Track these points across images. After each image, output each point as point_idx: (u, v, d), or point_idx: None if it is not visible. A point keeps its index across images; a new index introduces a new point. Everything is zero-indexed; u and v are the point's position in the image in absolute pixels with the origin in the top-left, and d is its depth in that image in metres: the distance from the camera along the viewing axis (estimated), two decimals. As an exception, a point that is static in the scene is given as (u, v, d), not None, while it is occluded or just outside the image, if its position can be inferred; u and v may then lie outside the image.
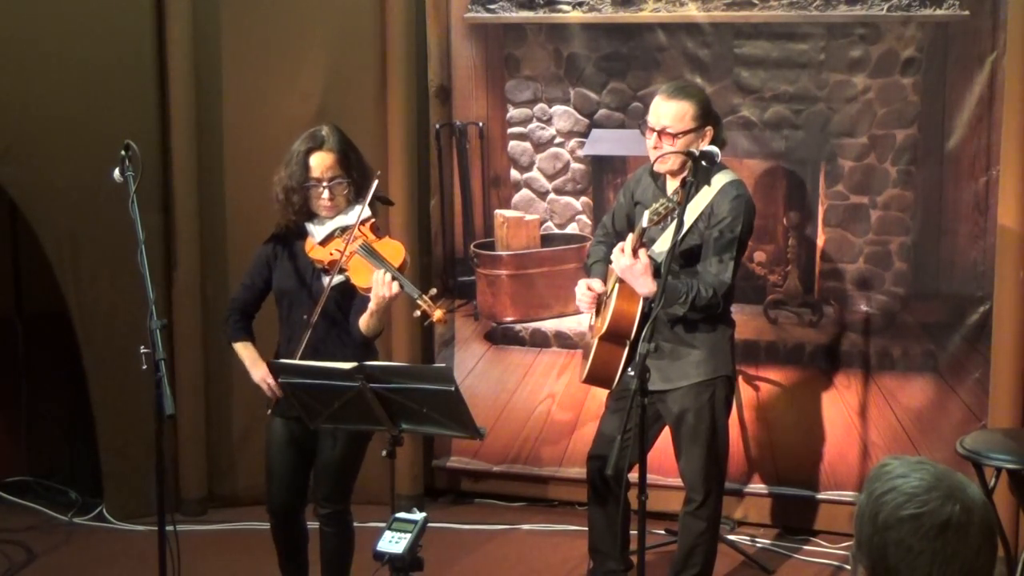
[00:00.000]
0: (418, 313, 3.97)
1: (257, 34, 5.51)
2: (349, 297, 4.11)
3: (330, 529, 4.26)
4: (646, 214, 4.03)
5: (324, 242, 4.11)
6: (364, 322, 4.04)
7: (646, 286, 4.04)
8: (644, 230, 4.06)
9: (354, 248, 4.03)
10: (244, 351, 4.24)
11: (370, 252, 4.04)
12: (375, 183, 4.09)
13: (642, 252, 4.06)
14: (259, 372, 4.16)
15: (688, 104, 4.15)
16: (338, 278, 4.05)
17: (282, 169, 4.13)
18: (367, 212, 4.09)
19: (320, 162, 4.08)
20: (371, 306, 3.99)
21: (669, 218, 4.04)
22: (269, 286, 4.26)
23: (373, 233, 4.12)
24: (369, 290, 3.97)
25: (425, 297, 3.94)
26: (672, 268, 4.01)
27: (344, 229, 4.08)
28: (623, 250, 4.06)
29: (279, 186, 4.12)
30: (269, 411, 4.20)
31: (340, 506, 4.24)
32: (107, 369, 5.38)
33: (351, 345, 4.11)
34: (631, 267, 4.04)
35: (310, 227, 4.14)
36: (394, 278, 3.95)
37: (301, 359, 4.00)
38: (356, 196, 4.13)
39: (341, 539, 4.27)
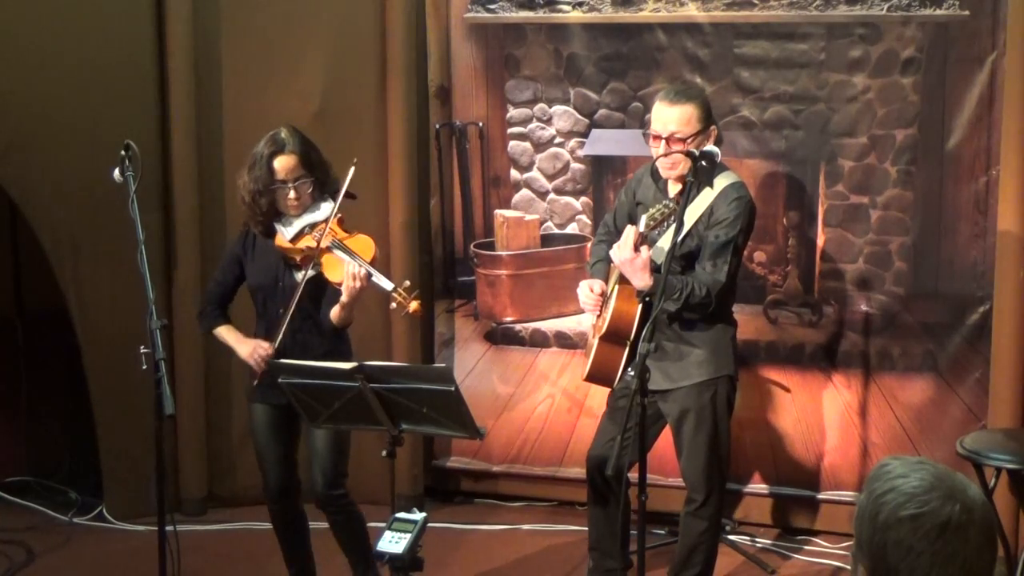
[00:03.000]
0: (394, 305, 4.11)
1: (257, 34, 5.50)
2: (321, 290, 4.24)
3: (339, 516, 4.35)
4: (643, 218, 4.05)
5: (294, 239, 4.24)
6: (335, 314, 4.18)
7: (643, 280, 4.06)
8: (642, 234, 4.07)
9: (325, 246, 4.16)
10: (227, 333, 4.37)
11: (341, 248, 4.18)
12: (346, 183, 4.22)
13: (643, 248, 4.07)
14: (246, 349, 4.27)
15: (692, 107, 4.17)
16: (310, 273, 4.20)
17: (246, 173, 4.26)
18: (334, 210, 4.21)
19: (284, 164, 4.21)
20: (343, 298, 4.12)
21: (665, 223, 4.06)
22: (240, 281, 4.41)
23: (342, 228, 4.26)
24: (342, 284, 4.10)
25: (399, 289, 4.08)
26: (672, 269, 4.02)
27: (313, 225, 4.23)
28: (623, 244, 4.08)
29: (245, 190, 4.26)
30: (256, 383, 4.26)
31: (340, 491, 4.32)
32: (107, 369, 5.38)
33: (324, 335, 4.26)
34: (631, 261, 4.06)
35: (279, 226, 4.27)
36: (367, 272, 4.08)
37: (279, 349, 4.17)
38: (320, 193, 4.27)
39: (351, 520, 4.37)
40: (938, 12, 4.89)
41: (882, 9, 4.96)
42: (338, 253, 4.16)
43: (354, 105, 5.44)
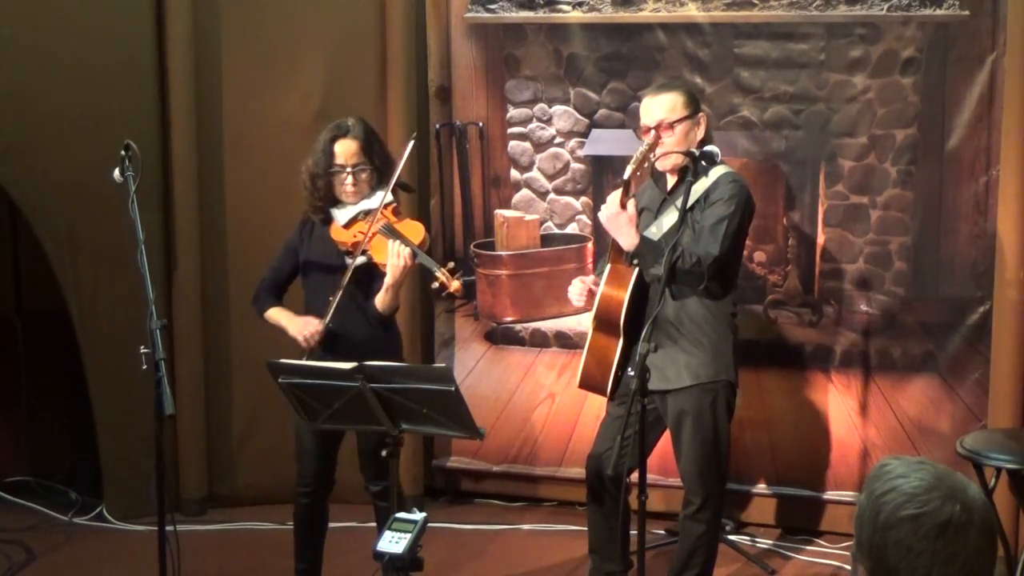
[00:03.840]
0: (436, 285, 4.17)
1: (257, 34, 5.51)
2: (370, 278, 4.27)
3: (385, 503, 4.31)
4: (628, 168, 4.04)
5: (348, 225, 4.29)
6: (380, 298, 4.23)
7: (630, 238, 4.06)
8: (627, 183, 4.07)
9: (376, 229, 4.21)
10: (279, 314, 4.41)
11: (391, 231, 4.23)
12: (399, 169, 4.29)
13: (630, 204, 4.07)
14: (295, 326, 4.30)
15: (675, 94, 4.20)
16: (361, 259, 4.23)
17: (309, 158, 4.33)
18: (389, 197, 4.27)
19: (344, 149, 4.28)
20: (387, 280, 4.18)
21: (646, 163, 4.08)
22: (295, 271, 4.45)
23: (394, 215, 4.31)
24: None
25: (443, 270, 4.14)
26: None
27: (367, 212, 4.28)
28: (609, 202, 4.08)
29: (306, 173, 4.33)
30: (305, 359, 4.26)
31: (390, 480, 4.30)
32: (107, 369, 5.38)
33: (372, 325, 4.29)
34: (616, 216, 4.06)
35: (334, 212, 4.33)
36: (412, 251, 4.14)
37: (325, 337, 4.23)
38: (378, 182, 4.32)
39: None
40: (938, 12, 4.90)
41: (882, 9, 4.96)
42: (388, 236, 4.20)
43: (354, 105, 5.42)
